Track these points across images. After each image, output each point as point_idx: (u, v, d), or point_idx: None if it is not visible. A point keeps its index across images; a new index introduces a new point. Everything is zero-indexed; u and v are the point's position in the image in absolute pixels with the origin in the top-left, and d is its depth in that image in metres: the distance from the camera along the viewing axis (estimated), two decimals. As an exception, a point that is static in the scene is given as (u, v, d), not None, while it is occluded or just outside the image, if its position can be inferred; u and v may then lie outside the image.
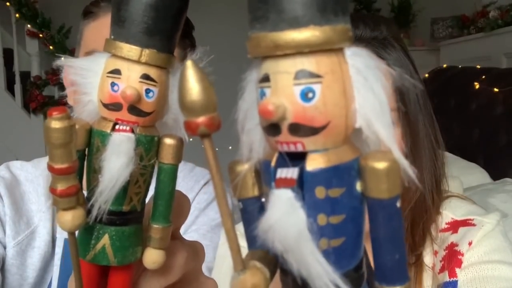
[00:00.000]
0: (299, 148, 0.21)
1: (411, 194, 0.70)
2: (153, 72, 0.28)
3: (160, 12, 0.28)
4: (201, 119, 0.20)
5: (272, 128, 0.21)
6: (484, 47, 2.96)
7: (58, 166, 0.24)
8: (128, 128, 0.28)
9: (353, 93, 0.21)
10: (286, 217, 0.20)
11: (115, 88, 0.28)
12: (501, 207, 1.38)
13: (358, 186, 0.21)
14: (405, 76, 0.22)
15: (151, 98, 0.28)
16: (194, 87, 0.20)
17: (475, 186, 1.59)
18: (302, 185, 0.21)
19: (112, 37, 0.29)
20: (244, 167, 0.23)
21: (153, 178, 0.31)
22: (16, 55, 3.60)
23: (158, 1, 0.28)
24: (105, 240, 0.29)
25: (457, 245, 0.70)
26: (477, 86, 2.12)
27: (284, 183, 0.21)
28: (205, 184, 0.98)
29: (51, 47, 3.57)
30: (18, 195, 0.86)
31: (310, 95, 0.20)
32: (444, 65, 2.54)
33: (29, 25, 3.55)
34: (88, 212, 0.28)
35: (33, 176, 0.89)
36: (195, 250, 0.36)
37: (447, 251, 0.70)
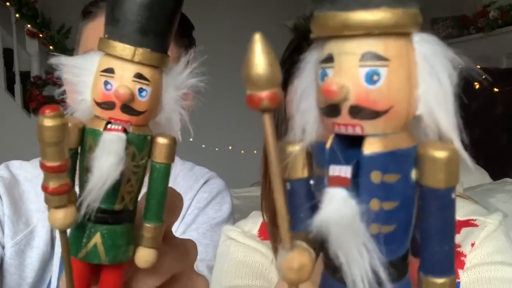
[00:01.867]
0: (358, 131, 0.21)
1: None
2: (146, 71, 0.28)
3: (154, 11, 0.28)
4: (265, 93, 0.20)
5: (331, 109, 0.21)
6: (484, 47, 2.96)
7: (50, 164, 0.24)
8: (120, 127, 0.28)
9: (418, 80, 0.21)
10: (341, 214, 0.20)
11: (108, 87, 0.28)
12: (501, 207, 1.38)
13: (413, 175, 0.21)
14: (473, 66, 0.22)
15: (144, 97, 0.28)
16: (260, 61, 0.20)
17: (475, 186, 1.59)
18: (358, 169, 0.21)
19: (106, 36, 0.29)
20: (296, 148, 0.23)
21: (146, 177, 0.31)
22: (16, 55, 3.60)
23: (151, 0, 0.28)
24: (96, 238, 0.29)
25: (459, 246, 0.70)
26: (477, 86, 2.12)
27: (338, 181, 0.21)
28: (204, 183, 0.98)
29: (51, 47, 3.57)
30: (17, 194, 0.86)
31: (375, 77, 0.20)
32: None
33: (29, 25, 3.55)
34: (78, 210, 0.28)
35: (32, 175, 0.89)
36: (186, 250, 0.36)
37: None
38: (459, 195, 0.78)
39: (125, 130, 0.28)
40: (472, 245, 0.69)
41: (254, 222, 0.84)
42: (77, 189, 0.29)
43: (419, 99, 0.21)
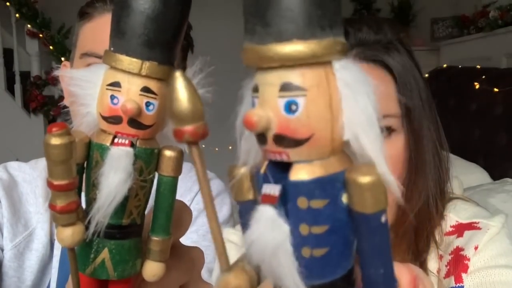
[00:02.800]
0: (284, 158, 0.21)
1: (414, 202, 0.69)
2: (153, 85, 0.28)
3: (160, 24, 0.28)
4: (186, 128, 0.21)
5: (259, 138, 0.22)
6: (484, 47, 2.96)
7: (58, 182, 0.24)
8: (127, 141, 0.28)
9: (341, 106, 0.21)
10: (267, 233, 0.21)
11: (115, 101, 0.28)
12: (501, 207, 1.38)
13: (344, 198, 0.22)
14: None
15: (151, 111, 0.28)
16: (182, 98, 0.21)
17: (475, 186, 1.59)
18: (286, 195, 0.22)
19: (112, 49, 0.28)
20: (241, 171, 0.24)
21: (153, 189, 0.30)
22: (16, 55, 3.59)
23: (158, 13, 0.27)
24: (104, 254, 0.29)
25: (462, 250, 0.69)
26: (477, 86, 2.12)
27: (268, 199, 0.22)
28: None
29: (51, 47, 3.56)
30: (15, 196, 0.86)
31: (294, 107, 0.21)
32: (444, 65, 2.53)
33: (29, 25, 3.55)
34: (86, 227, 0.28)
35: (31, 177, 0.88)
36: (192, 260, 0.36)
37: (452, 256, 0.70)
38: (461, 198, 0.77)
39: (132, 144, 0.28)
40: (476, 248, 0.68)
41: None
42: (83, 203, 0.28)
43: (344, 125, 0.21)
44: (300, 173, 0.21)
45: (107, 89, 0.28)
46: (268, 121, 0.21)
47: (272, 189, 0.22)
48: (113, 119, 0.28)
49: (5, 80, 3.58)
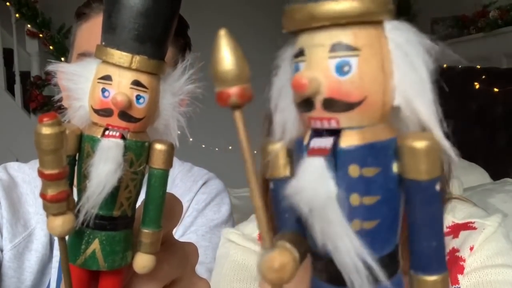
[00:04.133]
0: (333, 124, 0.20)
1: None
2: (143, 79, 0.28)
3: (151, 19, 0.28)
4: (233, 90, 0.20)
5: (305, 104, 0.21)
6: (484, 47, 2.96)
7: (48, 171, 0.24)
8: (117, 134, 0.28)
9: (392, 69, 0.20)
10: (316, 182, 0.19)
11: (106, 94, 0.28)
12: (501, 207, 1.38)
13: (395, 167, 0.21)
14: (449, 51, 0.21)
15: (142, 104, 0.29)
16: (227, 57, 0.19)
17: (475, 186, 1.59)
18: (336, 163, 0.20)
19: (103, 43, 0.29)
20: (276, 146, 0.23)
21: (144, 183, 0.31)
22: (16, 55, 3.60)
23: (148, 8, 0.28)
24: (95, 245, 0.29)
25: (458, 251, 0.68)
26: (477, 86, 2.12)
27: (317, 152, 0.20)
28: (203, 184, 0.98)
29: (51, 47, 3.57)
30: (15, 197, 0.86)
31: (346, 68, 0.20)
32: (444, 65, 2.53)
33: (29, 25, 3.55)
34: (76, 216, 0.28)
35: (31, 177, 0.89)
36: (185, 254, 0.36)
37: (448, 257, 0.70)
38: (457, 198, 0.77)
39: (123, 137, 0.28)
40: (471, 248, 0.67)
41: (255, 225, 0.83)
42: (75, 196, 0.29)
43: (395, 89, 0.20)
44: (352, 139, 0.20)
45: (98, 82, 0.29)
46: (318, 83, 0.20)
47: (324, 142, 0.21)
48: (104, 112, 0.28)
49: (5, 80, 3.58)
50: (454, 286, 0.67)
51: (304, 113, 0.21)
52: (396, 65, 0.20)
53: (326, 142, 0.21)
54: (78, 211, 0.28)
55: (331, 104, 0.20)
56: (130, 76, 0.28)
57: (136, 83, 0.28)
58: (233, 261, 0.79)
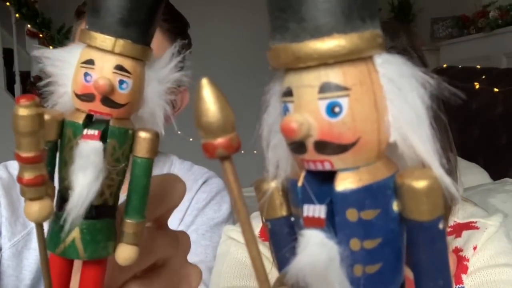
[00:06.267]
0: (327, 167, 0.20)
1: None
2: (127, 64, 0.28)
3: (135, 2, 0.28)
4: (218, 141, 0.19)
5: (297, 146, 0.20)
6: (484, 47, 2.96)
7: (25, 154, 0.24)
8: (96, 132, 0.28)
9: (386, 105, 0.20)
10: (317, 257, 0.19)
11: (88, 78, 0.28)
12: (501, 207, 1.38)
13: (395, 206, 0.20)
14: (444, 84, 0.20)
15: (125, 90, 0.28)
16: (210, 108, 0.19)
17: (475, 186, 1.59)
18: (332, 207, 0.20)
19: (87, 27, 0.28)
20: (271, 186, 0.22)
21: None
22: (16, 55, 3.60)
23: None
24: (75, 233, 0.28)
25: (461, 250, 0.69)
26: (477, 86, 2.12)
27: (313, 222, 0.20)
28: (203, 183, 0.98)
29: (51, 47, 3.57)
30: (15, 195, 0.86)
31: (337, 109, 0.19)
32: (444, 65, 2.53)
33: (29, 25, 3.56)
34: (60, 208, 0.28)
35: None
36: (177, 237, 0.36)
37: (451, 257, 0.70)
38: None
39: (101, 138, 0.28)
40: (474, 248, 0.68)
41: (256, 223, 0.83)
42: (56, 184, 0.28)
43: (390, 125, 0.20)
44: (347, 182, 0.19)
45: (81, 67, 0.28)
46: (309, 127, 0.19)
47: (317, 210, 0.20)
48: (86, 97, 0.28)
49: (5, 80, 3.59)
50: (458, 286, 0.67)
51: (296, 155, 0.20)
52: (390, 100, 0.20)
53: (319, 211, 0.20)
54: (65, 220, 0.27)
55: (323, 147, 0.19)
56: (113, 61, 0.27)
57: (119, 67, 0.28)
58: (233, 259, 0.79)
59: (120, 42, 0.27)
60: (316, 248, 0.19)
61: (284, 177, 0.22)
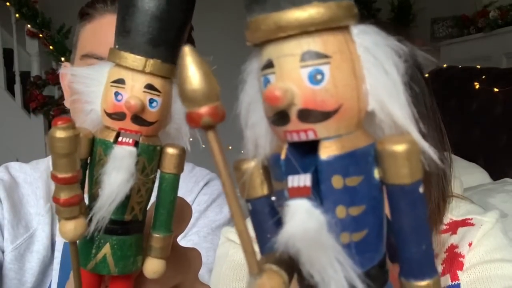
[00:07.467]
0: (311, 136, 0.20)
1: None
2: (157, 82, 0.28)
3: (165, 23, 0.28)
4: (203, 109, 0.18)
5: (280, 117, 0.20)
6: (484, 47, 2.96)
7: (62, 175, 0.24)
8: (130, 140, 0.28)
9: (363, 74, 0.20)
10: (305, 224, 0.19)
11: (119, 97, 0.28)
12: (501, 207, 1.38)
13: (376, 173, 0.20)
14: (418, 51, 0.21)
15: (155, 108, 0.28)
16: (194, 75, 0.18)
17: (475, 186, 1.59)
18: (317, 176, 0.20)
19: (117, 46, 0.29)
20: (251, 165, 0.22)
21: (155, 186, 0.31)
22: (16, 55, 3.59)
23: (163, 12, 0.28)
24: (106, 249, 0.29)
25: (457, 247, 0.69)
26: (477, 86, 2.12)
27: (298, 192, 0.20)
28: (204, 185, 0.97)
29: (51, 47, 3.56)
30: (16, 198, 0.85)
31: (319, 77, 0.19)
32: (444, 65, 2.53)
33: (29, 25, 3.55)
34: (88, 223, 0.28)
35: (32, 178, 0.88)
36: (188, 260, 0.36)
37: (447, 254, 0.70)
38: (455, 196, 0.77)
39: (136, 143, 0.28)
40: (470, 244, 0.68)
41: None
42: (86, 200, 0.29)
43: (368, 93, 0.20)
44: (331, 150, 0.20)
45: (111, 86, 0.28)
46: (292, 94, 0.19)
47: (302, 180, 0.20)
48: (117, 116, 0.28)
49: (5, 80, 3.58)
50: (454, 282, 0.67)
51: (278, 127, 0.20)
52: (367, 69, 0.20)
53: (304, 179, 0.20)
54: (90, 219, 0.27)
55: (307, 115, 0.19)
56: (143, 80, 0.28)
57: (150, 86, 0.28)
58: (232, 261, 0.79)
59: (151, 62, 0.28)
60: (304, 215, 0.19)
61: (263, 155, 0.22)
